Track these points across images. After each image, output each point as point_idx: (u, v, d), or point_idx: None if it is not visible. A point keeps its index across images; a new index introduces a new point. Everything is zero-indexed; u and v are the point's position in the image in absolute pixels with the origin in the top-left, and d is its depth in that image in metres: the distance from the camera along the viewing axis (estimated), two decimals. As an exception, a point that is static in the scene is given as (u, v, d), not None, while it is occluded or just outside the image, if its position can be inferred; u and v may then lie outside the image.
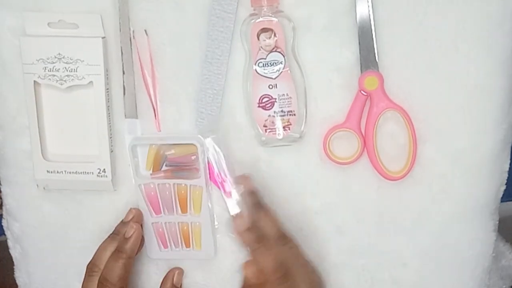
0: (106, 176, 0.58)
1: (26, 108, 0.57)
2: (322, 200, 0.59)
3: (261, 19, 0.52)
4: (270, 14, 0.52)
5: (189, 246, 0.60)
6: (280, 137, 0.55)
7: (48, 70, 0.56)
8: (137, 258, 0.60)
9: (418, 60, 0.56)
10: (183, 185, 0.58)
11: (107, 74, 0.56)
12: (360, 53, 0.55)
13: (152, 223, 0.59)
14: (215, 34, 0.55)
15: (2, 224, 0.64)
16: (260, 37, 0.51)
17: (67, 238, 0.61)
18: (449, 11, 0.54)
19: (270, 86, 0.52)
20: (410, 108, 0.56)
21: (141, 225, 0.59)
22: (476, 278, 0.61)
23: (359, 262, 0.61)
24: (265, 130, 0.51)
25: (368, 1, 0.54)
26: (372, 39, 0.54)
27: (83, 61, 0.55)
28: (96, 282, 0.54)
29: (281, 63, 0.52)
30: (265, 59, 0.52)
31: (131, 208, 0.59)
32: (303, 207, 0.59)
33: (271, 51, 0.51)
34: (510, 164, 0.60)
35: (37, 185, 0.59)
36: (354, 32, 0.55)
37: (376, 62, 0.55)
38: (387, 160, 0.57)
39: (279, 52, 0.51)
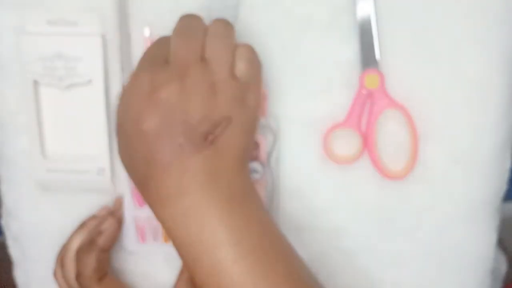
0: (106, 175, 0.58)
1: (25, 107, 0.57)
2: (322, 200, 0.59)
3: None
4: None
5: (168, 241, 0.60)
6: None
7: (48, 69, 0.56)
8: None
9: (419, 59, 0.55)
10: None
11: (106, 73, 0.56)
12: (360, 51, 0.55)
13: (135, 216, 0.59)
14: (215, 30, 0.55)
15: (1, 223, 0.64)
16: None
17: (67, 238, 0.61)
18: (450, 9, 0.54)
19: None
20: (411, 107, 0.55)
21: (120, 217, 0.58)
22: (478, 279, 0.61)
23: (359, 262, 0.60)
24: None
25: (369, -1, 0.54)
26: (373, 37, 0.54)
27: (82, 59, 0.55)
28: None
29: (258, 172, 0.54)
30: None
31: (104, 206, 0.59)
32: (302, 207, 0.59)
33: (252, 160, 0.53)
34: (510, 164, 0.60)
35: (37, 184, 0.59)
36: (354, 30, 0.54)
37: (377, 60, 0.55)
38: (387, 160, 0.56)
39: (259, 162, 0.53)
